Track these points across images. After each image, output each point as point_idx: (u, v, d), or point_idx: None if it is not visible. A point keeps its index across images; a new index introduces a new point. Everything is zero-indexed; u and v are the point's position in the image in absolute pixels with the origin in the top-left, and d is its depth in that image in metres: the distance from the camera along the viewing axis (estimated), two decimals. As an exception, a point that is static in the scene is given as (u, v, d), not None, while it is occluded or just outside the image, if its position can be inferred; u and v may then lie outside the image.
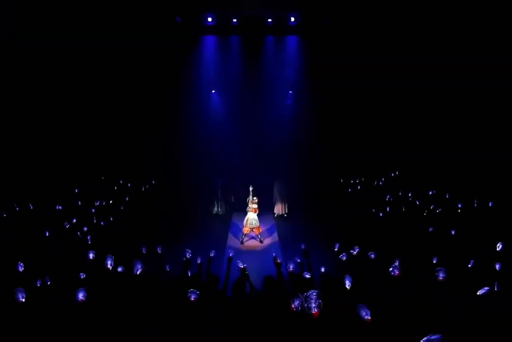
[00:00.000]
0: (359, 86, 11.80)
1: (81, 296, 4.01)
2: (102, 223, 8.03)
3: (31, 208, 8.47)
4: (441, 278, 4.32)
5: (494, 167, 9.75)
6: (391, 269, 4.70)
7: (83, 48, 10.73)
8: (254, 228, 9.13)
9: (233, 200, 11.68)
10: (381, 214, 8.44)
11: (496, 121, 10.01)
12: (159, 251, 6.29)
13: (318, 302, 3.08)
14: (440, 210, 8.16)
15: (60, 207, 8.60)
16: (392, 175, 11.60)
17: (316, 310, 3.05)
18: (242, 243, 9.28)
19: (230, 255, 5.67)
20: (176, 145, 12.72)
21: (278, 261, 5.56)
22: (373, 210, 9.00)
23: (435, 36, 10.50)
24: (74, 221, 7.72)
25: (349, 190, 11.26)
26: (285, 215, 11.22)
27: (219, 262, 7.75)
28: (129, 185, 11.28)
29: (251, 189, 9.23)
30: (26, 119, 10.37)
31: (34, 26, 9.81)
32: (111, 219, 8.44)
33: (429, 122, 11.37)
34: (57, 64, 10.69)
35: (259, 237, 9.32)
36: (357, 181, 11.61)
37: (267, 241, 9.49)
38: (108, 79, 11.50)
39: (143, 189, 11.38)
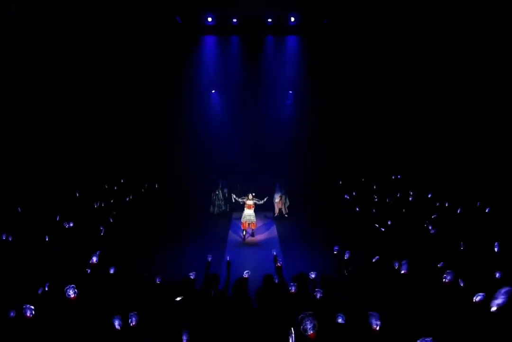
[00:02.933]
0: (359, 86, 11.81)
1: (71, 293, 4.01)
2: (101, 226, 8.00)
3: (32, 209, 8.43)
4: (447, 281, 4.33)
5: (494, 167, 9.73)
6: (398, 267, 4.71)
7: (83, 48, 10.73)
8: (250, 223, 9.37)
9: (233, 200, 11.69)
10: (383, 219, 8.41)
11: (496, 121, 10.00)
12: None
13: (313, 323, 3.11)
14: (436, 215, 8.09)
15: (60, 208, 8.57)
16: (395, 176, 11.56)
17: (311, 331, 3.09)
18: (244, 239, 9.45)
19: (228, 259, 5.63)
20: (176, 145, 12.74)
21: (278, 264, 5.54)
22: (373, 211, 9.00)
23: (435, 36, 10.49)
24: (75, 222, 7.70)
25: (348, 190, 11.24)
26: (286, 215, 11.24)
27: (219, 261, 7.83)
28: (129, 185, 11.26)
29: (233, 196, 9.84)
30: (26, 119, 10.35)
31: (34, 26, 9.80)
32: (112, 220, 8.43)
33: (429, 122, 11.36)
34: (57, 64, 10.68)
35: (252, 231, 9.56)
36: (356, 182, 11.59)
37: (267, 240, 9.52)
38: (108, 79, 11.49)
39: (143, 189, 11.37)
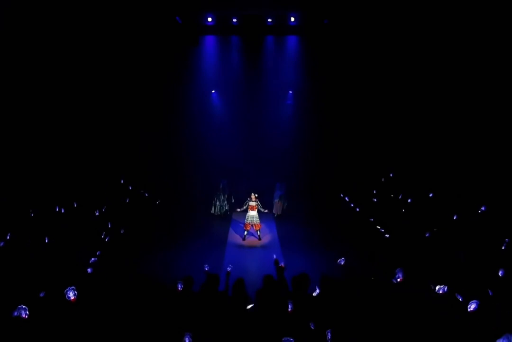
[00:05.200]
0: (359, 86, 11.82)
1: (71, 295, 3.99)
2: (102, 227, 8.00)
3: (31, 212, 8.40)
4: (441, 293, 4.32)
5: (494, 168, 9.71)
6: (394, 275, 4.63)
7: (82, 48, 10.73)
8: (254, 224, 9.35)
9: (233, 200, 11.73)
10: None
11: (496, 121, 9.98)
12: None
13: None
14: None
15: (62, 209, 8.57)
16: (392, 175, 11.56)
17: None
18: (244, 239, 9.46)
19: (228, 269, 5.56)
20: (176, 145, 12.74)
21: (281, 264, 5.50)
22: (374, 212, 9.02)
23: (435, 36, 10.47)
24: (75, 224, 7.72)
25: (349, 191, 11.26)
26: (284, 208, 11.32)
27: (219, 260, 7.86)
28: (130, 186, 11.24)
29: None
30: (26, 120, 10.34)
31: (33, 25, 9.79)
32: (111, 223, 8.42)
33: (429, 122, 11.35)
34: (57, 65, 10.67)
35: (258, 233, 9.52)
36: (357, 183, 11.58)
37: (266, 240, 9.54)
38: (108, 80, 11.49)
39: (143, 190, 11.38)
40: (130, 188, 10.77)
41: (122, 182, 11.14)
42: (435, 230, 7.14)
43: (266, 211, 9.49)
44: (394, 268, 4.90)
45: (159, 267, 7.28)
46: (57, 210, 8.44)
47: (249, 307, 4.59)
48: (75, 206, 8.96)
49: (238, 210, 9.60)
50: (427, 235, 6.84)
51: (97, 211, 8.78)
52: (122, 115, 11.95)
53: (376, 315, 3.64)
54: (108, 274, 5.52)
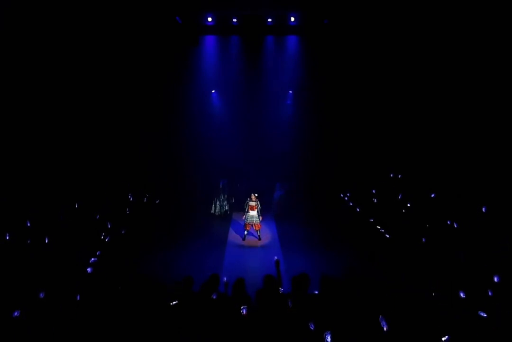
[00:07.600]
0: (359, 86, 11.81)
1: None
2: (104, 235, 7.99)
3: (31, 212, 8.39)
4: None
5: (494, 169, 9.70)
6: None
7: (83, 48, 10.72)
8: (254, 224, 9.38)
9: (233, 200, 11.73)
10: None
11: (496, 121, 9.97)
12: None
13: None
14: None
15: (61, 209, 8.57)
16: (395, 176, 11.53)
17: None
18: (244, 239, 9.48)
19: (225, 279, 5.52)
20: (176, 146, 12.74)
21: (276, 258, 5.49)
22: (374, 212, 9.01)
23: (435, 36, 10.47)
24: (76, 224, 7.72)
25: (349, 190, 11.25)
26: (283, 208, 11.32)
27: (219, 260, 7.84)
28: (129, 186, 11.23)
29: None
30: (26, 120, 10.33)
31: (33, 25, 9.78)
32: (112, 221, 8.42)
33: (430, 122, 11.35)
34: (57, 65, 10.66)
35: (258, 233, 9.54)
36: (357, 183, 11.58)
37: (266, 240, 9.54)
38: (108, 80, 11.48)
39: (144, 191, 11.36)
40: (130, 195, 10.72)
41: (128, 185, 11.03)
42: (431, 234, 7.09)
43: (260, 218, 9.46)
44: (394, 269, 4.90)
45: (159, 267, 7.29)
46: (57, 210, 8.42)
47: (243, 311, 4.48)
48: (75, 206, 8.95)
49: (244, 217, 9.52)
50: (423, 240, 6.78)
51: (97, 211, 8.78)
52: (122, 115, 11.93)
53: (376, 315, 3.63)
54: (108, 274, 5.53)
